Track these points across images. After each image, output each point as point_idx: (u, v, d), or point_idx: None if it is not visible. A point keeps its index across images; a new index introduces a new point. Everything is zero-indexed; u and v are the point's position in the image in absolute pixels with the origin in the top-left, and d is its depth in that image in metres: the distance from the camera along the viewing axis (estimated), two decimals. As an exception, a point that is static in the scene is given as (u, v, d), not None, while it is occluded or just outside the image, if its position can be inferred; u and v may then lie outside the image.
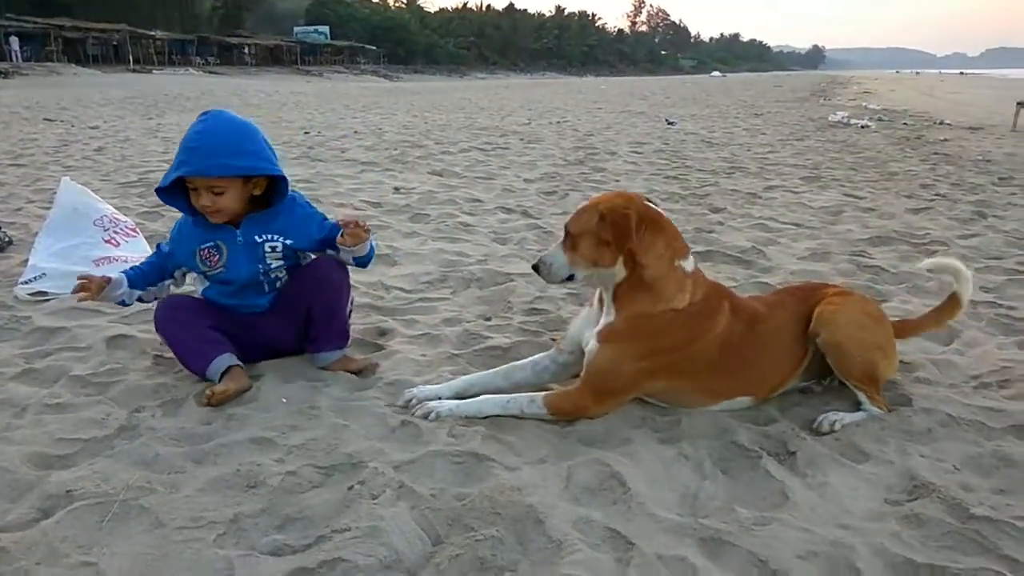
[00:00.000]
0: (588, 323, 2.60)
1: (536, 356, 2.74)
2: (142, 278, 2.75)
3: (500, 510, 1.92)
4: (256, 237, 2.69)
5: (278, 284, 2.82)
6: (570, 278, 2.52)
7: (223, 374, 2.59)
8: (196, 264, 2.73)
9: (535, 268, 2.57)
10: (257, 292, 2.80)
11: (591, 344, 2.49)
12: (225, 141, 2.50)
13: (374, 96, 29.08)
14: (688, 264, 2.47)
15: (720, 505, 2.03)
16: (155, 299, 2.82)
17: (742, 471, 2.21)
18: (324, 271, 2.78)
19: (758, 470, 2.20)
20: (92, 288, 2.58)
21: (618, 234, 2.36)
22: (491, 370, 2.72)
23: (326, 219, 2.80)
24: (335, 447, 2.23)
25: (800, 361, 2.62)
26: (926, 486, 2.10)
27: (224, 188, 2.54)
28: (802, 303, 2.65)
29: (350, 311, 2.93)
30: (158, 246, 2.86)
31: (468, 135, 12.43)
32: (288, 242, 2.73)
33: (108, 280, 2.64)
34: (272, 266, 2.75)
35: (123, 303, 2.76)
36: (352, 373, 2.78)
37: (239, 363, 2.65)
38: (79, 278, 2.60)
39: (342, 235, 2.64)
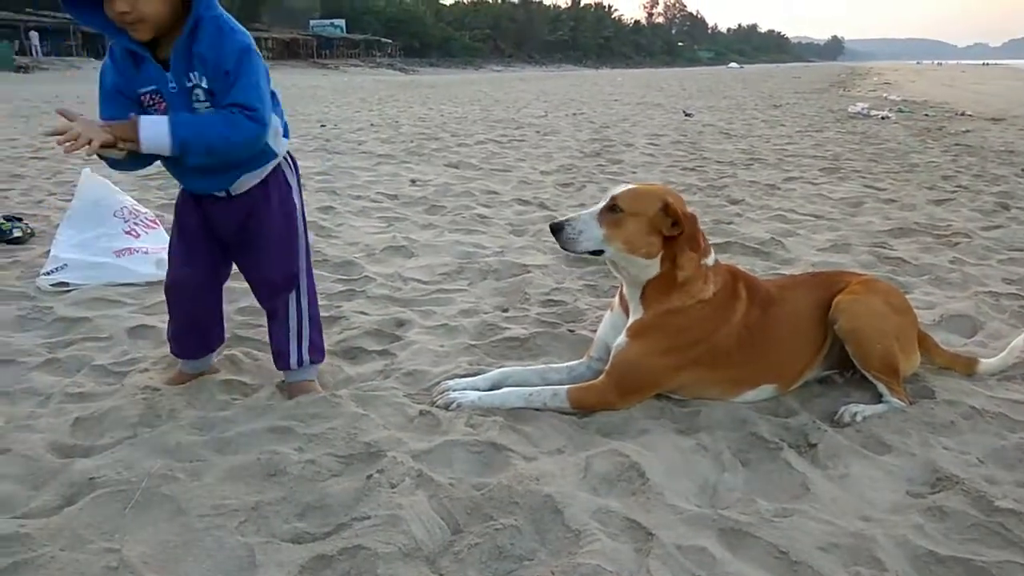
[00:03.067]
0: (614, 327, 2.58)
1: (572, 362, 2.73)
2: None
3: (518, 499, 1.92)
4: (187, 80, 2.15)
5: None
6: (598, 253, 2.41)
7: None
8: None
9: (555, 229, 2.39)
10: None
11: (620, 339, 2.47)
12: None
13: (390, 89, 29.11)
14: (711, 259, 2.47)
15: (740, 496, 2.02)
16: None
17: (762, 462, 2.20)
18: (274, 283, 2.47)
19: (778, 461, 2.18)
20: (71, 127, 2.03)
21: (690, 233, 2.35)
22: (528, 367, 2.71)
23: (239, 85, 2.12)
24: (354, 436, 2.24)
25: (820, 347, 2.59)
26: (949, 478, 2.07)
27: None
28: (822, 288, 2.63)
29: (310, 323, 2.54)
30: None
31: (484, 127, 12.42)
32: (205, 85, 2.16)
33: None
34: None
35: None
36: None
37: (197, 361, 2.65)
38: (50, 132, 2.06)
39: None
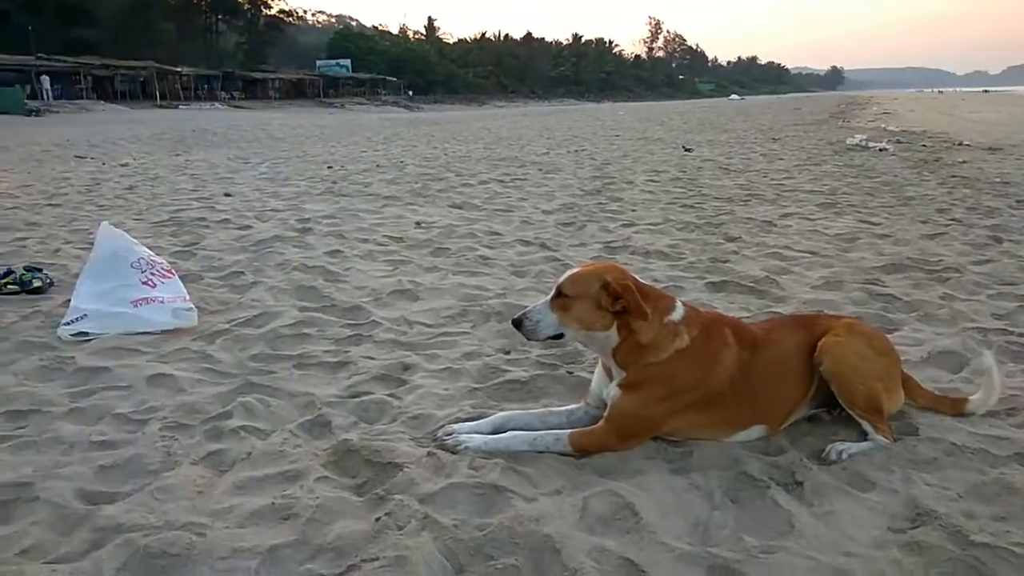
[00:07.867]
0: (604, 382, 2.71)
1: (571, 406, 2.86)
2: None
3: (519, 540, 2.04)
4: None
5: None
6: (558, 337, 2.60)
7: None
8: None
9: (516, 324, 2.60)
10: None
11: (613, 391, 2.60)
12: None
13: (395, 127, 29.53)
14: (676, 314, 2.59)
15: (729, 534, 2.13)
16: None
17: (751, 500, 2.30)
18: None
19: (766, 500, 2.29)
20: None
21: (633, 304, 2.47)
22: (529, 410, 2.84)
23: None
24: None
25: (807, 387, 2.71)
26: (929, 514, 2.18)
27: None
28: (805, 330, 2.76)
29: None
30: None
31: (487, 166, 12.65)
32: None
33: None
34: None
35: None
36: None
37: None
38: None
39: None
